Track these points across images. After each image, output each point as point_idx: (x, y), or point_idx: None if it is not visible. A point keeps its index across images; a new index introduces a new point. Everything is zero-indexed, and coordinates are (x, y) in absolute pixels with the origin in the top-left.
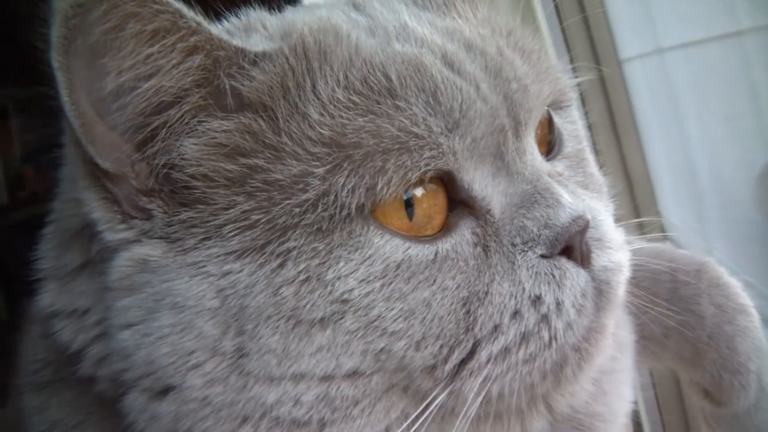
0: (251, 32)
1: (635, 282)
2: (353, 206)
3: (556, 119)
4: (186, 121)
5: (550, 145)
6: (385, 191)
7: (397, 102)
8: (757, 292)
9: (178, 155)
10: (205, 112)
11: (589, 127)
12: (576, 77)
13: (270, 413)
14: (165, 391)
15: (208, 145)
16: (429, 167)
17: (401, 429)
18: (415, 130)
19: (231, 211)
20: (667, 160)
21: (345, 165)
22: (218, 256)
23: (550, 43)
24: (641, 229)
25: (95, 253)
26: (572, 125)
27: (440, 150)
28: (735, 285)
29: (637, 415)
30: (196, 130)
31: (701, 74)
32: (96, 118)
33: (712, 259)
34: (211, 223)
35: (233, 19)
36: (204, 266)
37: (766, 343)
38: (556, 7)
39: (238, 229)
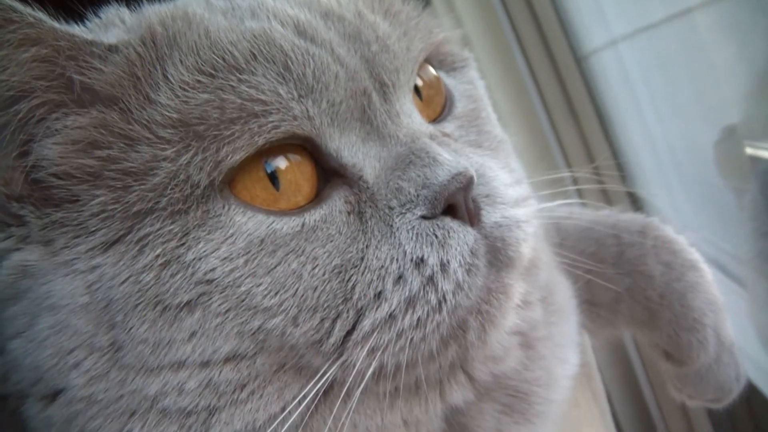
0: (109, 27)
1: (579, 248)
2: (204, 183)
3: (447, 80)
4: (41, 118)
5: (442, 105)
6: (230, 158)
7: (241, 76)
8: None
9: (42, 157)
10: (61, 109)
11: (551, 119)
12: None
13: (156, 405)
14: (54, 396)
15: (66, 142)
16: (278, 130)
17: (296, 408)
18: (261, 97)
19: (92, 205)
20: (637, 142)
21: (193, 143)
22: (86, 251)
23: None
24: (607, 199)
25: None
26: (466, 85)
27: (291, 114)
28: (681, 241)
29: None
30: (55, 129)
31: (661, 56)
32: None
33: (656, 218)
34: (78, 219)
35: (95, 18)
36: (74, 264)
37: (720, 296)
38: (507, 11)
39: (100, 221)
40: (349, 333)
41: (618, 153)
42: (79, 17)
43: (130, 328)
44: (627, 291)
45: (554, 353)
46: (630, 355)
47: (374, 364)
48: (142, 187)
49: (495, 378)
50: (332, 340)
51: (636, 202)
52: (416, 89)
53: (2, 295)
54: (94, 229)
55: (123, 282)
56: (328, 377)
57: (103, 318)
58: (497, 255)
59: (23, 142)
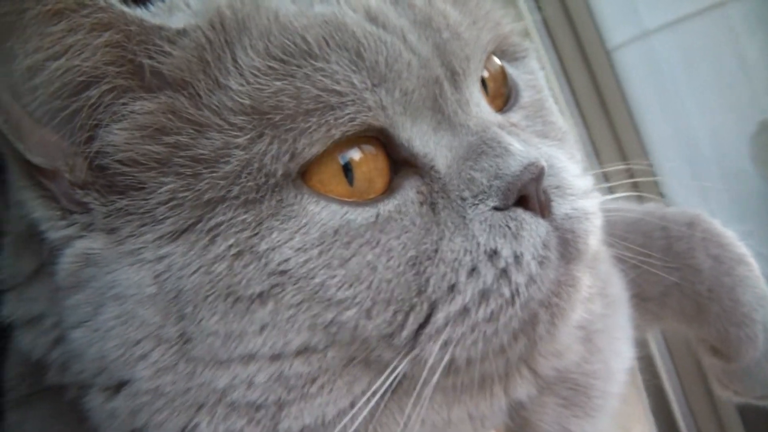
0: (174, 11)
1: (627, 242)
2: (279, 173)
3: (511, 70)
4: (109, 103)
5: (506, 97)
6: (307, 151)
7: (316, 63)
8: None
9: (108, 143)
10: (129, 94)
11: (582, 115)
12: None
13: (224, 398)
14: (119, 387)
15: (133, 128)
16: (354, 122)
17: (366, 404)
18: (336, 87)
19: (160, 192)
20: (665, 135)
21: (267, 132)
22: (153, 240)
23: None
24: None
25: (46, 255)
26: (529, 75)
27: (366, 105)
28: (730, 235)
29: (659, 381)
30: (122, 114)
31: (690, 49)
32: (21, 112)
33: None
34: (144, 207)
35: (158, 2)
36: (141, 253)
37: None
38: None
39: (168, 210)
40: (422, 326)
41: (648, 148)
42: (142, 1)
43: (200, 320)
44: (675, 284)
45: (611, 346)
46: (656, 358)
47: (446, 358)
48: (214, 174)
49: (557, 372)
50: (405, 333)
51: (667, 200)
52: (482, 81)
53: (65, 284)
54: (162, 217)
55: (193, 273)
56: (399, 371)
57: (171, 309)
58: (567, 247)
59: (90, 127)
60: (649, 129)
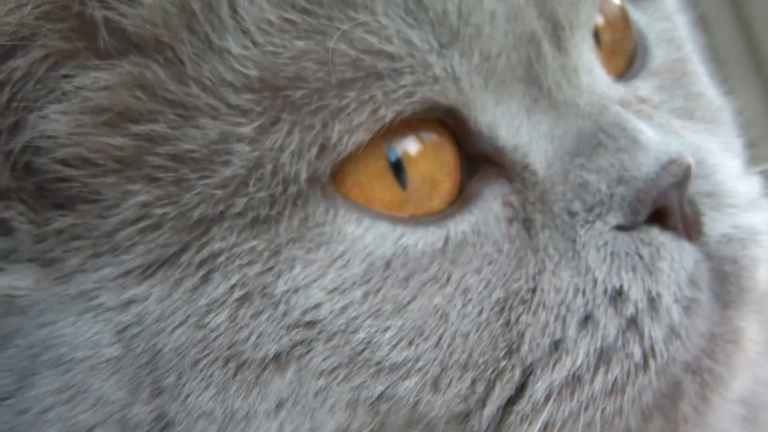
0: None
1: None
2: (303, 177)
3: (637, 15)
4: (44, 76)
5: (629, 55)
6: (346, 141)
7: (355, 14)
8: None
9: (42, 133)
10: (74, 62)
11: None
12: None
13: None
14: None
15: (82, 111)
16: (413, 98)
17: None
18: (387, 48)
19: (125, 207)
20: None
21: (284, 116)
22: (115, 278)
23: None
24: None
25: None
26: (663, 23)
27: (430, 73)
28: None
29: None
30: (64, 91)
31: None
32: None
33: None
34: (101, 229)
35: None
36: (96, 296)
37: None
38: None
39: (138, 233)
40: (512, 401)
41: None
42: None
43: (187, 396)
44: None
45: None
46: None
47: None
48: (207, 181)
49: None
50: (488, 411)
51: None
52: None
53: None
54: (128, 244)
55: (177, 326)
56: None
57: (143, 380)
58: (726, 284)
59: (15, 111)
60: None
